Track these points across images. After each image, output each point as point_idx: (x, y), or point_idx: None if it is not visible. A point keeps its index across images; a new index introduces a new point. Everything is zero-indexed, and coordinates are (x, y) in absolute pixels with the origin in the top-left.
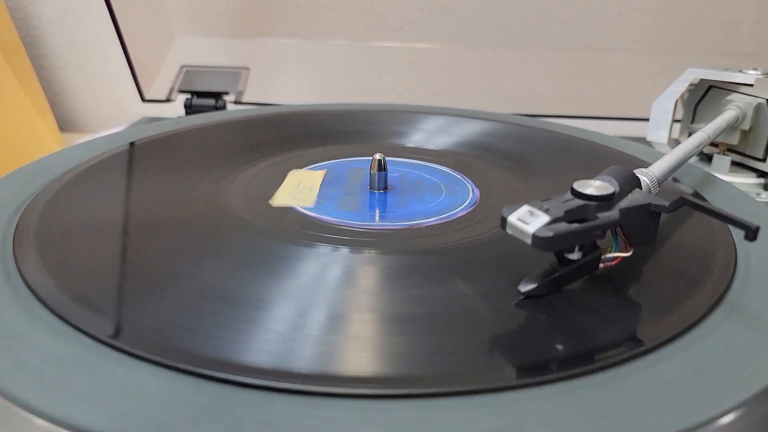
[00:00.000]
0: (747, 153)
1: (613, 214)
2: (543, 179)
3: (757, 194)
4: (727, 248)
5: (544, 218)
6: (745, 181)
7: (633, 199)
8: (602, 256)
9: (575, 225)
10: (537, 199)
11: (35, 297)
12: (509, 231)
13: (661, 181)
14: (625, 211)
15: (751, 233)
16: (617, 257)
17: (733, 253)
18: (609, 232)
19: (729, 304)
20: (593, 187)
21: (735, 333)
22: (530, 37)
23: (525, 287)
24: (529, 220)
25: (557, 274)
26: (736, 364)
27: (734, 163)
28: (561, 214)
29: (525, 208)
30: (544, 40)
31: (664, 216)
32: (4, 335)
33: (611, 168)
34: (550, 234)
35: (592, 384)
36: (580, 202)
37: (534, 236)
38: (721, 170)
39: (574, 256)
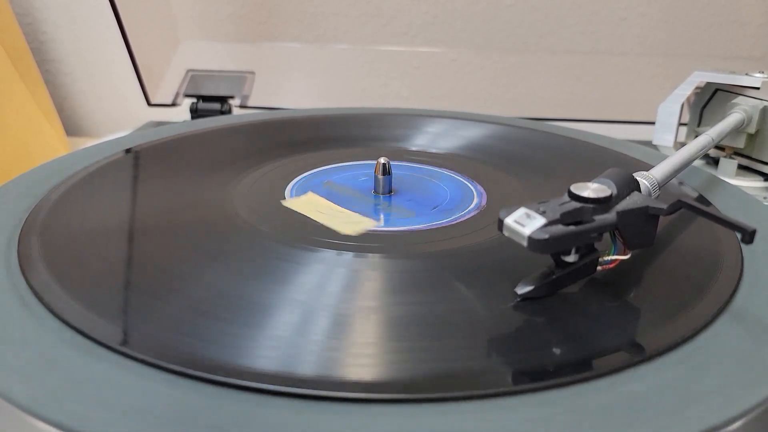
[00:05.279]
0: (753, 156)
1: (610, 216)
2: (548, 183)
3: (764, 198)
4: (733, 253)
5: (540, 220)
6: (751, 184)
7: (631, 201)
8: (600, 259)
9: (571, 227)
10: (534, 202)
11: (40, 301)
12: (506, 233)
13: (662, 185)
14: (622, 214)
15: (748, 236)
16: (615, 260)
17: (740, 257)
18: (608, 235)
19: (734, 311)
20: (590, 189)
21: (740, 340)
22: (536, 41)
23: (522, 289)
24: (525, 223)
25: (554, 277)
26: (740, 372)
27: (741, 167)
28: (557, 216)
29: (522, 211)
30: (550, 43)
31: (669, 220)
32: (9, 340)
33: (610, 171)
34: (546, 236)
35: (591, 390)
36: (576, 204)
37: (530, 238)
38: (728, 174)
39: (571, 258)
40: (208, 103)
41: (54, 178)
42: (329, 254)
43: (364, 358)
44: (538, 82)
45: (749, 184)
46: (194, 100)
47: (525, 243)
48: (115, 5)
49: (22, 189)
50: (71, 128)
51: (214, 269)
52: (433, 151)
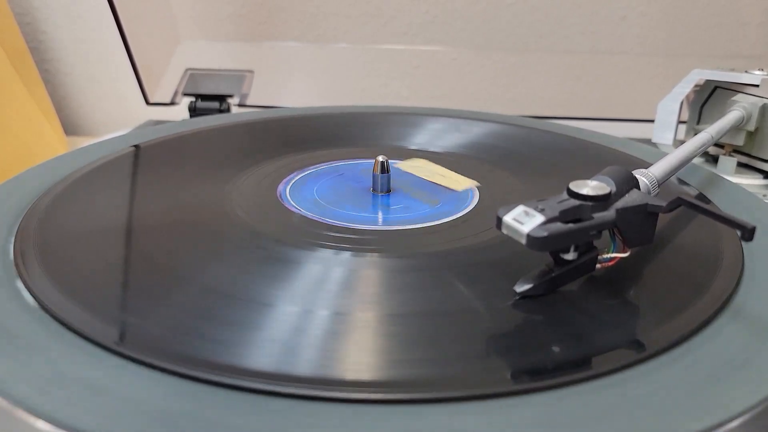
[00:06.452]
0: (753, 154)
1: (608, 214)
2: (548, 181)
3: (764, 195)
4: (733, 250)
5: (539, 218)
6: (751, 182)
7: (630, 199)
8: (599, 257)
9: (570, 225)
10: (533, 200)
11: (36, 300)
12: (504, 231)
13: (661, 182)
14: (621, 212)
15: (747, 233)
16: (614, 258)
17: (740, 255)
18: (607, 232)
19: (735, 309)
20: (589, 187)
21: (740, 338)
22: (536, 41)
23: (521, 287)
24: (524, 220)
25: (553, 275)
26: (741, 370)
27: (740, 165)
28: (556, 214)
29: (520, 209)
30: (550, 43)
31: (669, 217)
32: (5, 339)
33: (609, 168)
34: (545, 234)
35: (590, 389)
36: (575, 202)
37: (528, 236)
38: (727, 171)
39: (570, 256)
40: (207, 101)
41: (52, 177)
42: (327, 253)
43: (362, 358)
44: (538, 81)
45: (749, 181)
46: (193, 98)
47: (524, 241)
48: (113, 5)
49: (20, 187)
50: (70, 128)
51: (212, 268)
52: (432, 149)
